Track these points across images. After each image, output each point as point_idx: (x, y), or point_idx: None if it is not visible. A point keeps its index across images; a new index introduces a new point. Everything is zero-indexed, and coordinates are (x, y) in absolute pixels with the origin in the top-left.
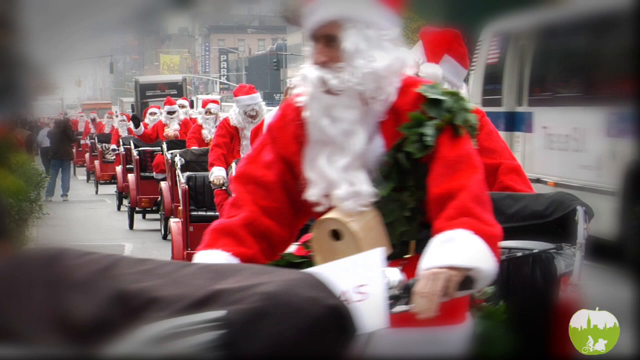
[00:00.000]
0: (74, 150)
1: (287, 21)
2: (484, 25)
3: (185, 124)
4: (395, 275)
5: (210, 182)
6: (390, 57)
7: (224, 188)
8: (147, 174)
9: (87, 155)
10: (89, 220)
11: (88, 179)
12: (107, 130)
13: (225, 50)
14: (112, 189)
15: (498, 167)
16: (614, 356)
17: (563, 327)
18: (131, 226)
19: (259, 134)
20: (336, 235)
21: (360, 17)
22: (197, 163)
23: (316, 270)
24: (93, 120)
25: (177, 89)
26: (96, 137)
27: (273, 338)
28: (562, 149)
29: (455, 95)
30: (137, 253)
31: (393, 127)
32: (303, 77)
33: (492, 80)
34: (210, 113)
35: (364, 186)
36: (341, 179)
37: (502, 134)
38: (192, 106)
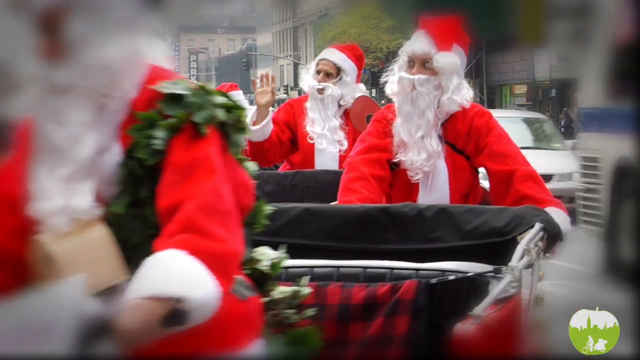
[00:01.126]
0: None
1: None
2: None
3: None
4: (93, 307)
5: None
6: (125, 47)
7: None
8: None
9: None
10: None
11: None
12: None
13: (195, 51)
14: None
15: (512, 173)
16: (614, 356)
17: None
18: None
19: None
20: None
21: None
22: None
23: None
24: None
25: None
26: None
27: None
28: None
29: (202, 89)
30: None
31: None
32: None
33: (626, 66)
34: None
35: (79, 199)
36: (57, 191)
37: None
38: None
